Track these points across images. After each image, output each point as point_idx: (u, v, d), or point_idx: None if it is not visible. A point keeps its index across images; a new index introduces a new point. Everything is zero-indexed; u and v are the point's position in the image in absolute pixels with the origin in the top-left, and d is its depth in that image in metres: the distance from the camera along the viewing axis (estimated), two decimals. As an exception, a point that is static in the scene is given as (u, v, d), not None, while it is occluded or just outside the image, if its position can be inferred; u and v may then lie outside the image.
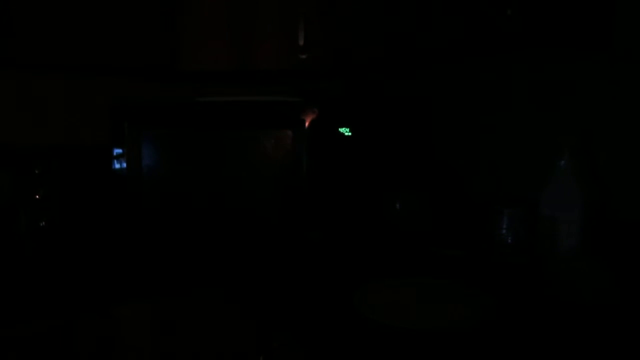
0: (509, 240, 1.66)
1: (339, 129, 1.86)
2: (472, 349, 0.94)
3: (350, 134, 1.88)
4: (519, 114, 1.69)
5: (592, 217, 1.53)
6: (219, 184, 1.73)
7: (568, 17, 1.18)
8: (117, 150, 1.95)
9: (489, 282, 1.37)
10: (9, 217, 1.62)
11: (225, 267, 1.55)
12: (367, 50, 1.76)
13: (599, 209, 1.55)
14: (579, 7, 1.20)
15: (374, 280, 1.34)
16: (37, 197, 1.87)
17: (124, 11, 1.87)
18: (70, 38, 1.79)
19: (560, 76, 1.59)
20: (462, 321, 1.04)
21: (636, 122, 1.30)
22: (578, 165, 1.39)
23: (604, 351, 0.94)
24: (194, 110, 1.81)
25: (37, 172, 1.93)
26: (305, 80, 2.20)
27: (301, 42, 1.84)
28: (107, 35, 1.84)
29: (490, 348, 0.95)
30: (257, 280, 1.41)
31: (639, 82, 1.27)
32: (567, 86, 1.56)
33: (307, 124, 1.72)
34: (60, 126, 2.12)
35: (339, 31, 1.82)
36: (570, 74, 1.60)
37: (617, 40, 1.31)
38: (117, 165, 1.93)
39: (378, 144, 1.94)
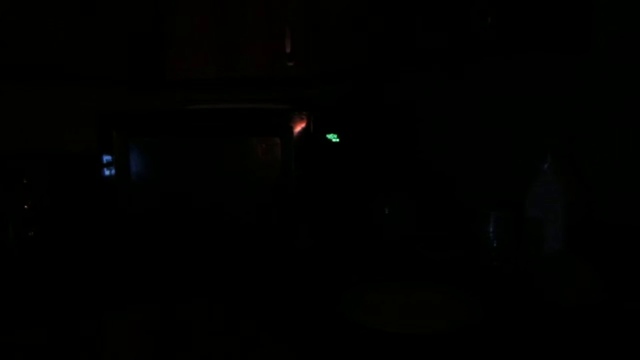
0: (495, 243, 1.67)
1: (328, 136, 1.88)
2: (458, 352, 0.96)
3: (338, 140, 1.90)
4: (504, 117, 1.72)
5: (575, 218, 1.55)
6: (208, 192, 1.73)
7: (547, 22, 1.21)
8: (106, 158, 1.95)
9: (476, 285, 1.39)
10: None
11: (215, 274, 1.55)
12: (352, 57, 1.79)
13: (583, 210, 1.57)
14: (559, 11, 1.23)
15: (361, 284, 1.35)
16: (26, 207, 1.87)
17: (110, 20, 1.87)
18: (56, 47, 1.79)
19: (541, 78, 1.62)
20: (448, 325, 1.06)
21: (618, 124, 1.34)
22: (561, 167, 1.42)
23: (588, 351, 0.96)
24: (182, 118, 1.83)
25: (25, 181, 1.92)
26: (293, 87, 2.24)
27: (288, 50, 1.86)
28: (93, 45, 1.84)
29: (476, 351, 0.97)
30: (246, 287, 1.41)
31: (621, 82, 1.30)
32: (549, 88, 1.58)
33: (295, 131, 1.70)
34: (48, 134, 2.11)
35: (324, 39, 1.85)
36: (552, 75, 1.63)
37: (599, 42, 1.34)
38: (106, 173, 1.93)
39: (367, 149, 1.96)
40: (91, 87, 2.11)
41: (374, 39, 1.66)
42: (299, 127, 1.74)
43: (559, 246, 1.55)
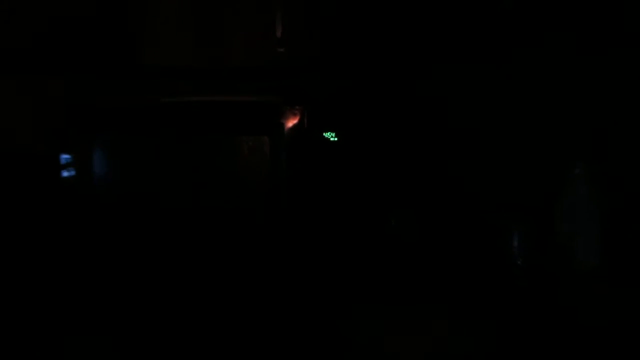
0: (518, 259, 1.47)
1: (325, 134, 1.64)
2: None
3: (337, 139, 1.66)
4: (525, 116, 1.50)
5: (613, 230, 1.39)
6: (183, 198, 1.48)
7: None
8: (65, 158, 1.69)
9: (493, 306, 1.29)
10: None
11: (193, 283, 1.46)
12: (360, 41, 1.54)
13: (621, 221, 1.40)
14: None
15: (366, 305, 1.08)
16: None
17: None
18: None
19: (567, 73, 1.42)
20: (457, 352, 0.89)
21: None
22: (594, 171, 1.22)
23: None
24: (156, 112, 1.66)
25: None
26: (284, 78, 1.92)
27: (279, 34, 1.61)
28: (50, 17, 1.56)
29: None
30: (230, 298, 1.37)
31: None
32: (576, 83, 1.38)
33: (287, 128, 1.57)
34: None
35: (323, 19, 1.59)
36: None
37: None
38: (65, 176, 1.67)
39: (371, 151, 1.71)
40: (51, 74, 1.81)
41: (392, 17, 1.42)
42: (290, 124, 1.57)
43: (594, 264, 1.38)
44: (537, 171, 1.63)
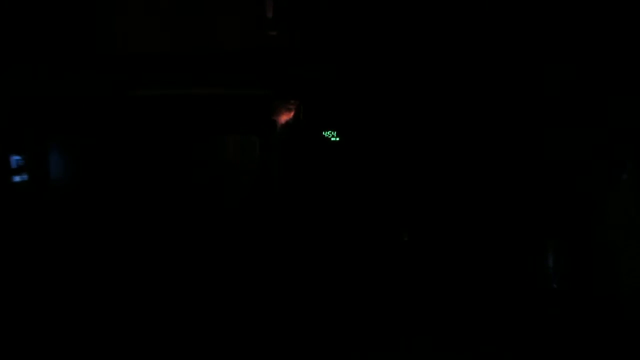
0: (554, 279, 1.27)
1: (325, 133, 1.39)
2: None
3: (338, 139, 1.41)
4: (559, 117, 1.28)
5: None
6: (157, 206, 1.38)
7: None
8: (16, 160, 1.45)
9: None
10: None
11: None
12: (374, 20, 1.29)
13: None
14: None
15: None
16: None
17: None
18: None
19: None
20: None
21: None
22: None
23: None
24: (124, 107, 1.47)
25: None
26: (277, 65, 1.62)
27: (270, 14, 1.35)
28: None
29: None
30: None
31: None
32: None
33: (279, 126, 1.40)
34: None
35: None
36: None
37: None
38: (16, 180, 1.43)
39: (382, 155, 1.46)
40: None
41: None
42: (284, 121, 1.41)
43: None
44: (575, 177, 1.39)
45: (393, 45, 1.40)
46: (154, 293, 1.29)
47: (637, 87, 1.25)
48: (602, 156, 1.31)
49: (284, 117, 1.38)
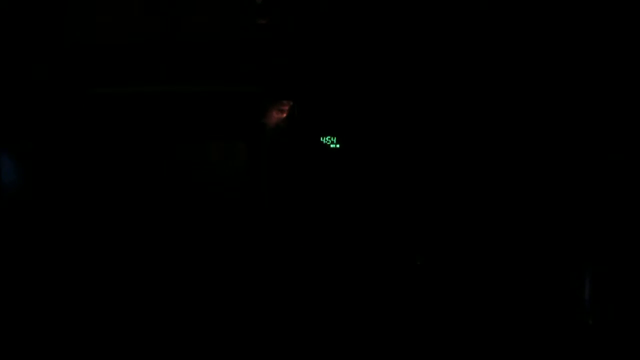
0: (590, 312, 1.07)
1: (323, 139, 1.18)
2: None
3: (339, 146, 1.20)
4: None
5: None
6: (121, 218, 1.18)
7: None
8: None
9: None
10: None
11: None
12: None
13: None
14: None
15: None
16: None
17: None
18: None
19: None
20: None
21: None
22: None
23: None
24: (85, 107, 1.22)
25: None
26: (268, 57, 1.35)
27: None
28: None
29: None
30: None
31: None
32: None
33: (268, 130, 1.20)
34: None
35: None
36: None
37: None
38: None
39: (394, 165, 1.23)
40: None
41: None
42: (275, 124, 1.21)
43: None
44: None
45: (402, 35, 1.16)
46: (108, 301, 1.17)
47: None
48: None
49: (276, 120, 1.16)
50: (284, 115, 1.18)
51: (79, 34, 1.19)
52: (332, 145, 1.23)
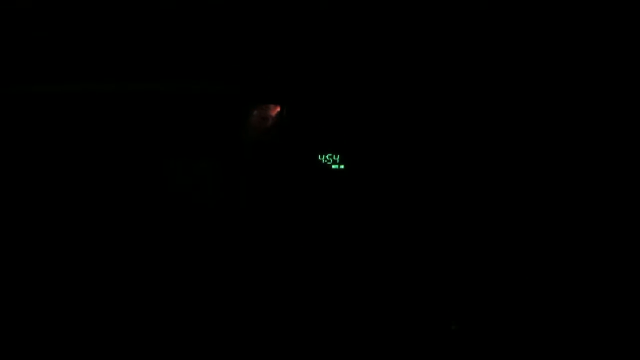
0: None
1: (322, 157, 0.87)
2: None
3: (343, 167, 0.89)
4: None
5: None
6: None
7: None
8: None
9: None
10: None
11: None
12: None
13: None
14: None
15: None
16: None
17: None
18: None
19: None
20: None
21: None
22: None
23: None
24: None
25: None
26: (247, 46, 0.99)
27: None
28: None
29: None
30: None
31: None
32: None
33: (252, 145, 0.89)
34: None
35: None
36: None
37: None
38: None
39: (417, 196, 0.90)
40: None
41: None
42: (259, 137, 0.89)
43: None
44: None
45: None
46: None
47: None
48: None
49: (260, 131, 0.85)
50: (271, 124, 0.86)
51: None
52: (333, 166, 0.91)
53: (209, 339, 0.94)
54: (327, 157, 0.96)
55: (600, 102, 1.02)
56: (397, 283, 0.89)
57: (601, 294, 0.95)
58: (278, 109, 0.90)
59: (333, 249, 0.85)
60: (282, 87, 0.87)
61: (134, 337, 1.00)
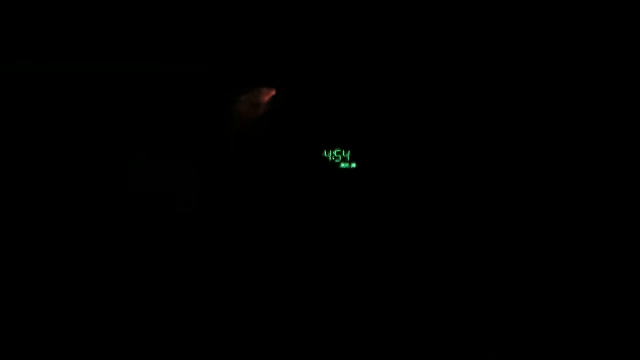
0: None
1: (328, 154, 0.68)
2: None
3: (356, 166, 0.71)
4: None
5: None
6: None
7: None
8: None
9: None
10: None
11: None
12: None
13: None
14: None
15: None
16: None
17: None
18: None
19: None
20: None
21: None
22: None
23: None
24: None
25: None
26: (232, 15, 0.79)
27: None
28: None
29: None
30: None
31: None
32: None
33: (237, 141, 0.72)
34: None
35: None
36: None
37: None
38: None
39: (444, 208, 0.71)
40: None
41: None
42: (246, 129, 0.72)
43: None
44: None
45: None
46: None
47: None
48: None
49: (248, 122, 0.72)
50: (262, 112, 0.68)
51: None
52: (342, 165, 0.73)
53: (188, 342, 0.81)
54: (334, 153, 0.76)
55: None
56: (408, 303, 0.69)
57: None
58: (273, 93, 0.71)
59: (342, 279, 0.64)
60: (276, 65, 0.67)
61: (109, 338, 0.83)
